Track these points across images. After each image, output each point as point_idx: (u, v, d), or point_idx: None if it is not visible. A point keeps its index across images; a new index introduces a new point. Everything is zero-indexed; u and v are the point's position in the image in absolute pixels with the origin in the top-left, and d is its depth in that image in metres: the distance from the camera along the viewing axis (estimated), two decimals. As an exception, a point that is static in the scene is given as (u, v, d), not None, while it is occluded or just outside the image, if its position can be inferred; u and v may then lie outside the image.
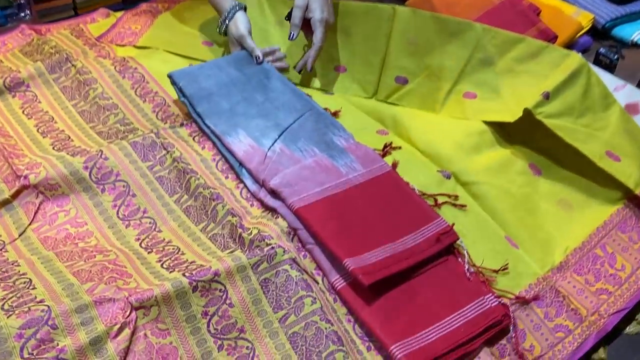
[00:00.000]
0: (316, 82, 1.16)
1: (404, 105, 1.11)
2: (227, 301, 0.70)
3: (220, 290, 0.70)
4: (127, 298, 0.65)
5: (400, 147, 0.99)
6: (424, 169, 0.95)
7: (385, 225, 0.82)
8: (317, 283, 0.76)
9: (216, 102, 1.00)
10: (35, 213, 0.83)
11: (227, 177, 0.91)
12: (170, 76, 1.05)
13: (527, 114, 0.95)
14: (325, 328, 0.70)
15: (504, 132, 1.04)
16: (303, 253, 0.80)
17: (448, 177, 0.94)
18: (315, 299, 0.72)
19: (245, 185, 0.90)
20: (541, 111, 0.95)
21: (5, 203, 0.83)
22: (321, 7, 1.06)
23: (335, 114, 1.03)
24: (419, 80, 1.10)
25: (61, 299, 0.64)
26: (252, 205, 0.87)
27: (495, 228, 0.88)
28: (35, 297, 0.64)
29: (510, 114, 0.99)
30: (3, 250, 0.76)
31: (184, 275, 0.69)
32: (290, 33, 1.07)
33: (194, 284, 0.68)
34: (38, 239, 0.80)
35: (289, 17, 1.10)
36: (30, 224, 0.82)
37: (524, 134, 1.03)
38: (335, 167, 0.89)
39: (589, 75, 1.02)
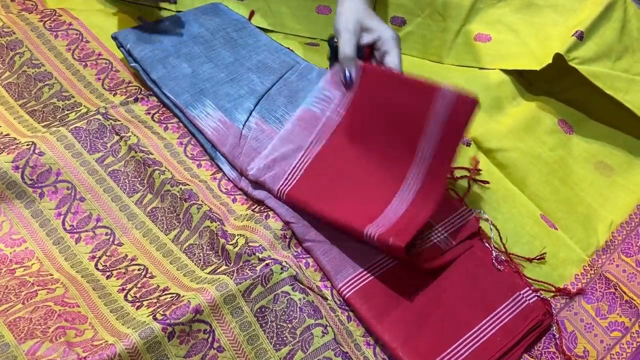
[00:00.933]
0: (294, 28, 0.96)
1: (405, 53, 0.93)
2: (215, 345, 0.54)
3: (204, 332, 0.54)
4: (81, 361, 0.49)
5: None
6: (437, 136, 0.78)
7: (389, 168, 0.66)
8: (326, 299, 0.61)
9: (174, 65, 0.81)
10: (-44, 232, 0.65)
11: (199, 166, 0.74)
12: (114, 38, 0.84)
13: (559, 59, 0.78)
14: (343, 366, 0.56)
15: (524, 81, 0.87)
16: (304, 261, 0.64)
17: (467, 145, 0.78)
18: (326, 327, 0.58)
19: (223, 172, 0.73)
20: (575, 56, 0.78)
21: None
22: (383, 21, 0.75)
23: None
24: (419, 20, 0.91)
25: (-9, 371, 0.48)
26: (234, 200, 0.70)
27: (529, 205, 0.74)
28: (-44, 373, 0.48)
29: (534, 60, 0.82)
30: None
31: (154, 318, 0.53)
32: (346, 73, 0.71)
33: (170, 329, 0.52)
34: (-38, 268, 0.62)
35: (334, 56, 0.75)
36: (-50, 247, 0.64)
37: (549, 82, 0.86)
38: (311, 112, 0.72)
39: (625, 7, 0.84)
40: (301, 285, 0.59)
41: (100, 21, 0.91)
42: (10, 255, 0.64)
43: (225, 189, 0.71)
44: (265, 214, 0.66)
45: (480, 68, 0.87)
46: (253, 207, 0.68)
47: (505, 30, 0.87)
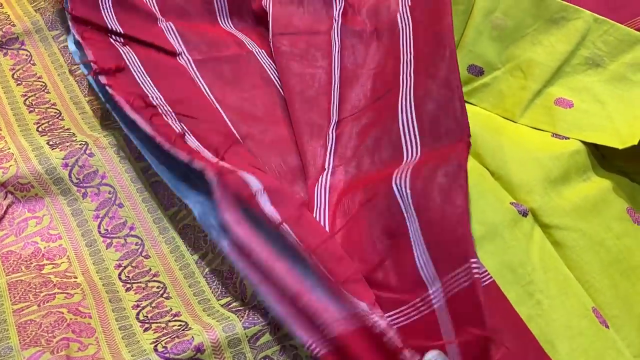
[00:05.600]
0: None
1: (473, 103, 0.88)
2: (211, 388, 0.53)
3: (202, 372, 0.53)
4: (75, 381, 0.48)
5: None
6: (493, 200, 0.72)
7: None
8: None
9: None
10: (1, 218, 0.67)
11: None
12: None
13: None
14: None
15: (598, 154, 0.80)
16: None
17: (524, 215, 0.71)
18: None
19: None
20: (665, 145, 0.70)
21: (-32, 202, 0.68)
22: None
23: None
24: (497, 74, 0.86)
25: (-9, 373, 0.48)
26: None
27: (581, 295, 0.67)
28: (-41, 366, 0.49)
29: (618, 137, 0.75)
30: (-49, 269, 0.61)
31: (155, 348, 0.52)
32: None
33: (168, 364, 0.51)
34: (-1, 255, 0.64)
35: None
36: (-7, 232, 0.66)
37: (624, 161, 0.79)
38: None
39: None
40: (312, 340, 0.56)
41: None
42: (44, 250, 0.66)
43: None
44: None
45: (555, 134, 0.80)
46: None
47: (591, 100, 0.80)
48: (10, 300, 0.57)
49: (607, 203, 0.74)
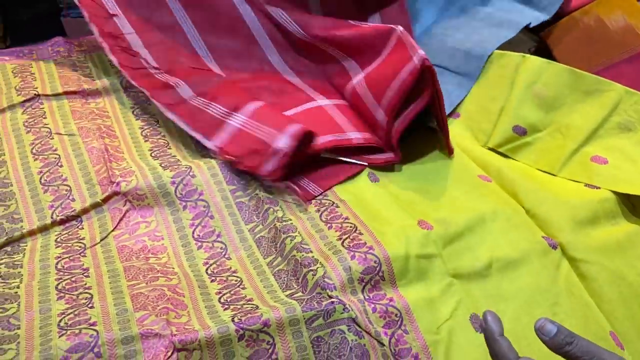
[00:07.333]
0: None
1: (517, 159, 0.99)
2: (273, 356, 0.66)
3: (267, 343, 0.66)
4: (172, 337, 0.63)
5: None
6: (527, 232, 0.83)
7: None
8: (383, 345, 0.69)
9: None
10: (120, 220, 0.85)
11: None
12: None
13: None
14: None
15: (629, 204, 0.89)
16: (372, 306, 0.73)
17: (554, 247, 0.81)
18: (368, 371, 0.66)
19: None
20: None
21: (97, 206, 0.87)
22: None
23: None
24: (539, 135, 0.97)
25: (112, 325, 0.64)
26: (330, 227, 0.81)
27: (600, 319, 0.75)
28: (90, 319, 0.65)
29: None
30: (82, 254, 0.79)
31: (232, 320, 0.66)
32: None
33: (241, 332, 0.65)
34: (116, 247, 0.82)
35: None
36: (113, 230, 0.84)
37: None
38: None
39: None
40: (357, 328, 0.68)
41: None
42: (150, 247, 0.83)
43: (326, 218, 0.82)
44: (352, 253, 0.75)
45: (588, 185, 0.90)
46: (344, 237, 0.78)
47: (623, 158, 0.90)
48: (126, 278, 0.74)
49: (633, 244, 0.82)
